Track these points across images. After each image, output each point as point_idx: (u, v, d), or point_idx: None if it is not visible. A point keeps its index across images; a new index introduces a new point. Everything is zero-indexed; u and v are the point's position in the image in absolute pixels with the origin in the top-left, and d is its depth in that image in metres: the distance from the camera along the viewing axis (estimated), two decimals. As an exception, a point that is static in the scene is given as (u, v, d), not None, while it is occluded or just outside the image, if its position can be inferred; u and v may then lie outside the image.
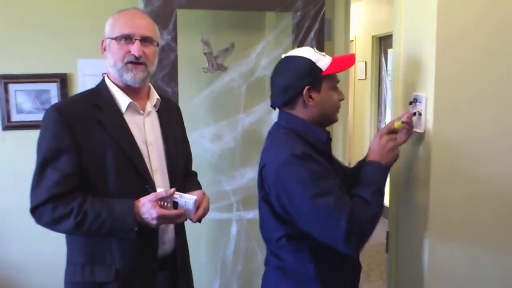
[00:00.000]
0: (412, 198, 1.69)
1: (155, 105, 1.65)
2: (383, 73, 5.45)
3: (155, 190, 1.51)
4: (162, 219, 1.45)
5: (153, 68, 1.60)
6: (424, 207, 1.58)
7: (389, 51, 5.24)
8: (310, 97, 1.48)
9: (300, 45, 2.45)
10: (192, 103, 2.57)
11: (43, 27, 2.55)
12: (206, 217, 1.63)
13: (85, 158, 1.47)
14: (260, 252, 2.68)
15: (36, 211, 1.45)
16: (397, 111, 1.78)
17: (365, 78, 5.67)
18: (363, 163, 1.55)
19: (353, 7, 3.68)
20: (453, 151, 1.53)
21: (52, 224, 1.45)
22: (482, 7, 1.49)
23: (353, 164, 1.73)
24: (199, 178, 1.90)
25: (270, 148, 1.52)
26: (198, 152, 2.37)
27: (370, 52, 5.51)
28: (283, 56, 1.56)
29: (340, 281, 1.52)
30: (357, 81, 5.92)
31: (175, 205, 1.49)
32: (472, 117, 1.52)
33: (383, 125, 3.29)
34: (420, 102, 1.57)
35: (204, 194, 1.63)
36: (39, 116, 1.99)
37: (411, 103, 1.61)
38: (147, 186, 1.53)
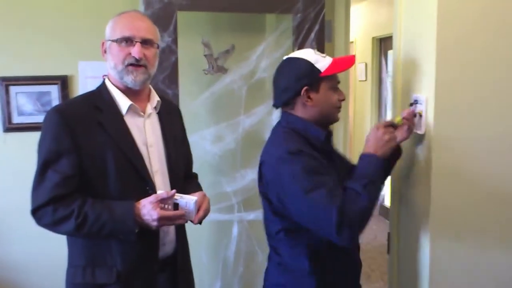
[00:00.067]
0: (413, 199, 1.69)
1: (155, 107, 1.65)
2: (384, 74, 5.46)
3: (155, 192, 1.51)
4: (162, 220, 1.45)
5: (153, 70, 1.60)
6: (425, 208, 1.58)
7: (389, 52, 5.24)
8: (309, 97, 1.53)
9: (300, 47, 2.45)
10: (192, 105, 2.57)
11: (44, 29, 2.55)
12: (207, 218, 1.63)
13: (85, 160, 1.47)
14: (261, 253, 2.68)
15: (36, 212, 1.45)
16: (398, 112, 1.78)
17: (366, 80, 5.67)
18: None
19: (353, 8, 3.69)
20: (453, 152, 1.53)
21: (52, 225, 1.45)
22: (482, 8, 1.49)
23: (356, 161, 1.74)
24: (200, 180, 1.90)
25: (269, 146, 1.57)
26: (199, 153, 2.37)
27: (370, 54, 5.51)
28: (285, 57, 1.61)
29: (337, 277, 1.55)
30: (358, 83, 5.92)
31: (176, 206, 1.49)
32: (473, 118, 1.52)
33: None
34: (420, 103, 1.58)
35: (204, 195, 1.63)
36: (40, 118, 2.00)
37: (411, 104, 1.62)
38: (148, 188, 1.53)
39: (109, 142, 1.50)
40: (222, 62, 2.57)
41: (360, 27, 5.74)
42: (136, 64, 1.53)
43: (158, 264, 1.58)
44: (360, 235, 1.45)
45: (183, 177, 1.73)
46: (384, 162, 1.46)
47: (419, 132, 1.59)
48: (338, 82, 1.59)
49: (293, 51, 1.61)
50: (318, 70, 1.52)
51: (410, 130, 1.56)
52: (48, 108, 1.58)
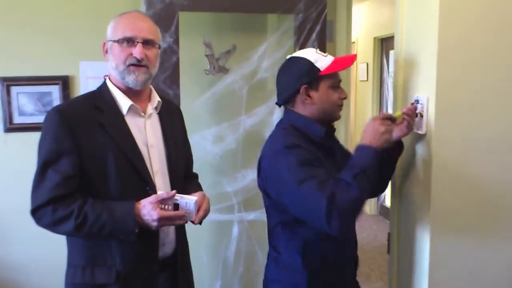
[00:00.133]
0: (413, 199, 1.69)
1: (156, 107, 1.65)
2: (385, 74, 5.45)
3: (155, 192, 1.51)
4: (162, 220, 1.45)
5: (154, 70, 1.60)
6: (425, 208, 1.58)
7: (391, 52, 5.24)
8: (308, 95, 1.57)
9: (302, 47, 2.45)
10: (193, 105, 2.58)
11: (45, 29, 2.55)
12: (207, 218, 1.63)
13: (86, 160, 1.47)
14: (261, 253, 2.68)
15: (36, 212, 1.45)
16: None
17: (367, 80, 5.66)
18: None
19: (355, 8, 3.69)
20: (454, 152, 1.53)
21: (52, 225, 1.45)
22: (483, 8, 1.49)
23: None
24: (201, 180, 1.90)
25: (269, 141, 1.62)
26: (200, 153, 2.38)
27: (372, 54, 5.51)
28: (288, 56, 1.65)
29: (331, 273, 1.58)
30: (359, 83, 5.92)
31: (176, 206, 1.49)
32: (474, 118, 1.52)
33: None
34: (421, 104, 1.58)
35: (204, 195, 1.63)
36: (41, 118, 1.99)
37: (412, 104, 1.62)
38: (148, 188, 1.54)
39: (109, 143, 1.50)
40: (223, 62, 2.57)
41: (361, 27, 5.73)
42: (138, 64, 1.53)
43: (158, 264, 1.58)
44: (353, 226, 1.46)
45: (184, 177, 1.74)
46: (378, 153, 1.45)
47: (420, 132, 1.59)
48: (340, 81, 1.61)
49: (294, 51, 1.63)
50: (318, 69, 1.55)
51: (409, 126, 1.56)
52: (49, 108, 1.58)
